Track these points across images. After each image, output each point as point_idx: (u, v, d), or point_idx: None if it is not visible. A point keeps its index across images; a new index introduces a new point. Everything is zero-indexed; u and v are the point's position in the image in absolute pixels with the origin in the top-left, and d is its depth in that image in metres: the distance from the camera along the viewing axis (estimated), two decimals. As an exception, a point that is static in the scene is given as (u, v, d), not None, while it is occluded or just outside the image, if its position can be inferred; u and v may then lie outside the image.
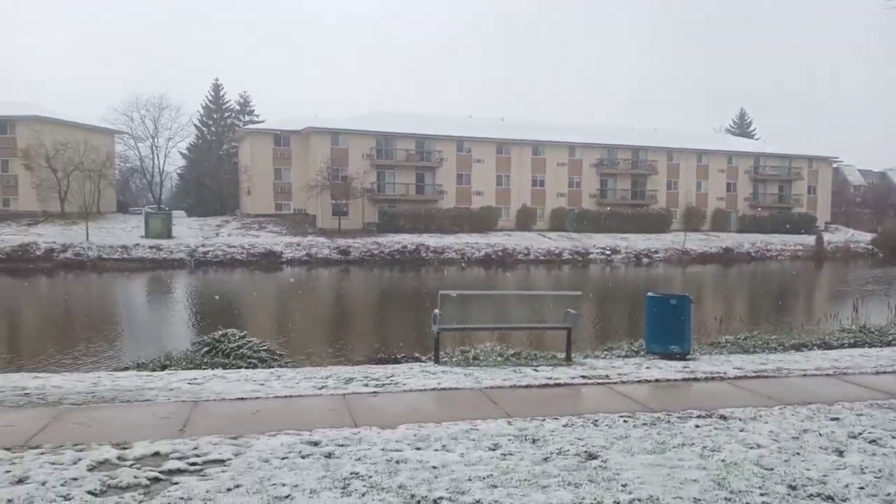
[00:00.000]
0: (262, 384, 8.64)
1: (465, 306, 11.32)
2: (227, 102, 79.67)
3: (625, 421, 6.98)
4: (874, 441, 6.31)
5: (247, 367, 10.58)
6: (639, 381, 9.09)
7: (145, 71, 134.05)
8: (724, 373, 9.70)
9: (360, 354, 15.64)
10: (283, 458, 5.63)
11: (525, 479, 5.25)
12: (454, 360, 10.92)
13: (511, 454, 5.86)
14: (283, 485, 5.01)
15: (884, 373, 9.81)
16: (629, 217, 64.36)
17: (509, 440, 6.26)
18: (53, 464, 5.36)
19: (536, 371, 9.76)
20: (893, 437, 6.41)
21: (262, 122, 72.44)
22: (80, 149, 53.37)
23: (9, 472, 5.15)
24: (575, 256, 54.96)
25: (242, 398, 7.80)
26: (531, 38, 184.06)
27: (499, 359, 10.98)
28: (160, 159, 74.68)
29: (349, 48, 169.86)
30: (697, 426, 6.81)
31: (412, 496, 4.88)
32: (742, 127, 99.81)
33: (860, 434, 6.52)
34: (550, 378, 9.16)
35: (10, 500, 4.55)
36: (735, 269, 53.37)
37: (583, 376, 9.36)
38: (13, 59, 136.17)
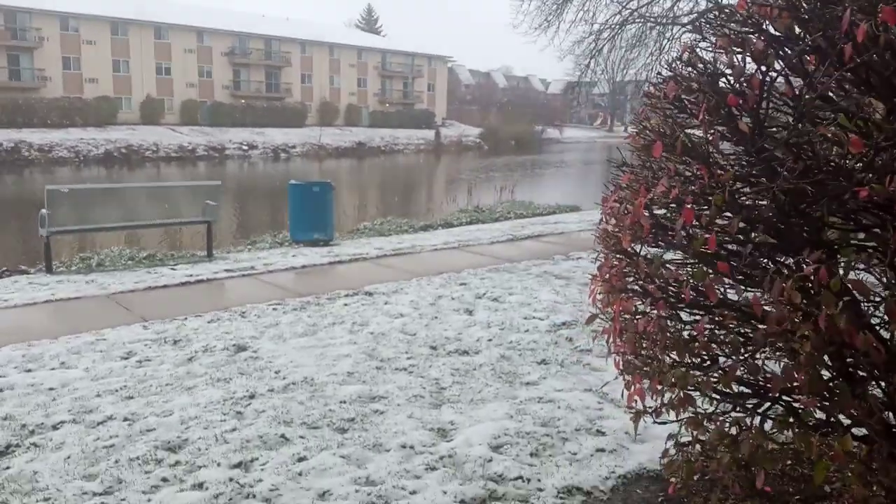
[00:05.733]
0: None
1: (85, 207, 9.73)
2: None
3: (274, 309, 6.76)
4: (496, 299, 7.10)
5: None
6: (286, 269, 8.92)
7: None
8: (367, 254, 10.06)
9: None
10: None
11: (167, 384, 4.72)
12: (73, 268, 9.44)
13: (149, 360, 5.23)
14: None
15: (497, 242, 11.17)
16: (265, 111, 62.66)
17: (146, 345, 5.58)
18: None
19: (174, 270, 8.93)
20: (510, 294, 7.29)
21: None
22: None
23: None
24: (210, 153, 52.05)
25: None
26: None
27: (129, 262, 9.78)
28: None
29: None
30: (346, 304, 6.91)
31: (23, 426, 4.03)
32: (370, 23, 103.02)
33: (484, 294, 7.28)
34: (191, 275, 8.46)
35: None
36: (368, 161, 56.14)
37: (227, 270, 8.84)
38: None
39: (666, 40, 20.14)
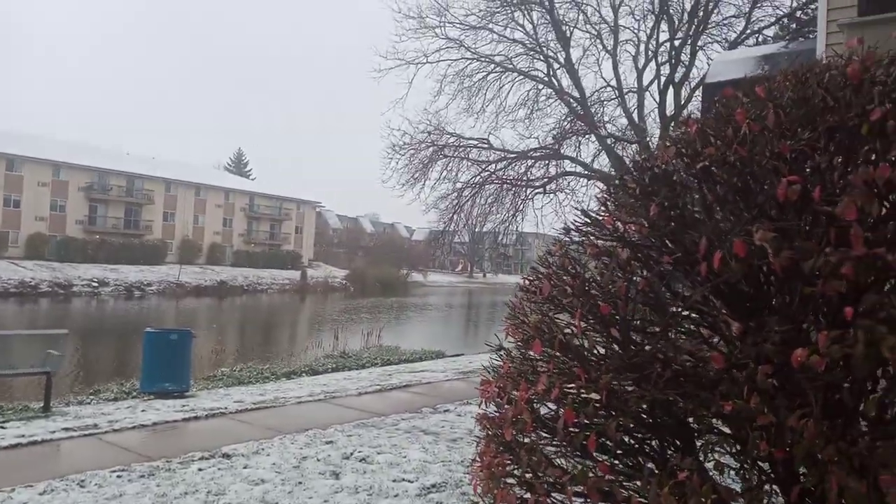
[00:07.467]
0: None
1: None
2: None
3: (118, 476, 6.12)
4: (363, 459, 6.85)
5: None
6: (133, 427, 8.20)
7: None
8: (226, 408, 9.48)
9: None
10: None
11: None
12: None
13: (-38, 545, 4.52)
14: None
15: (364, 393, 10.94)
16: (121, 247, 60.00)
17: (-40, 526, 4.84)
18: None
19: (4, 429, 7.95)
20: (378, 454, 7.06)
21: None
22: None
23: None
24: (55, 289, 48.53)
25: None
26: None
27: (-54, 418, 8.65)
28: None
29: None
30: (200, 469, 6.39)
31: None
32: (239, 166, 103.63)
33: (352, 454, 7.01)
34: (23, 435, 7.56)
35: None
36: (228, 301, 54.36)
37: (65, 428, 8.00)
38: None
39: (520, 200, 22.22)
